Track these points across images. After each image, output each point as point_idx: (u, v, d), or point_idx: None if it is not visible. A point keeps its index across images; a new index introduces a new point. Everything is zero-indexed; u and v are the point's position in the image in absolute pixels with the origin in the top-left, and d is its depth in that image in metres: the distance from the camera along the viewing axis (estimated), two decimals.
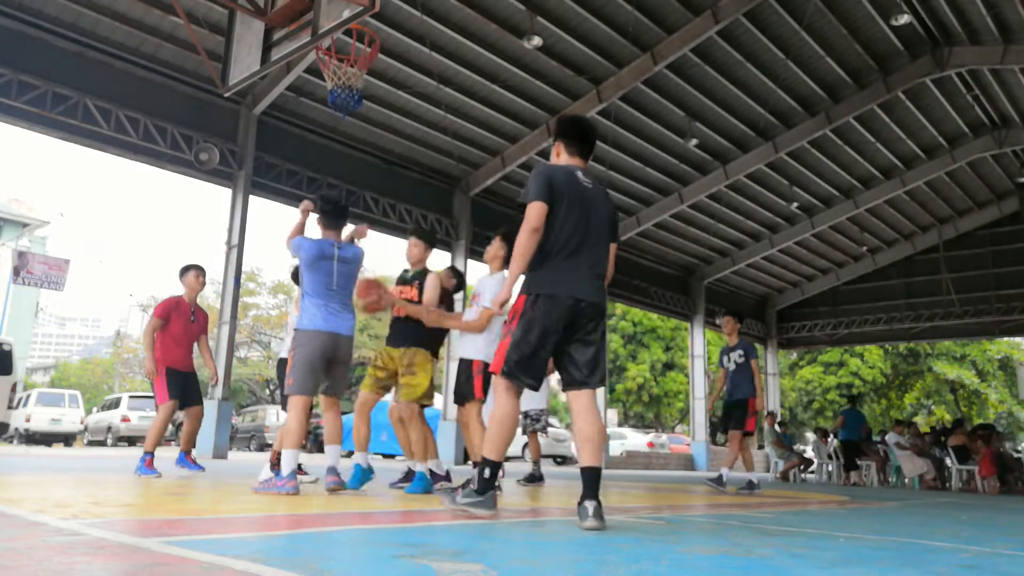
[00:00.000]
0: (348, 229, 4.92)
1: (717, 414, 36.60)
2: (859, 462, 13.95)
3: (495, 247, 5.36)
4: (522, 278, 3.37)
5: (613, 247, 3.44)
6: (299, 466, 4.66)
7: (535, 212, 3.21)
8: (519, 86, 13.20)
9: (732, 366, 7.41)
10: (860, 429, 14.09)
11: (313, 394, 4.42)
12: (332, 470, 4.36)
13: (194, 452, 6.45)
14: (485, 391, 5.16)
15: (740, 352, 7.38)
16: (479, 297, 5.28)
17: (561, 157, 3.47)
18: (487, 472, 3.19)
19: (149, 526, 2.68)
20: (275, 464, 5.19)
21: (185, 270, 6.34)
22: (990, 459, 12.10)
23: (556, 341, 3.22)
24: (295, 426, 4.33)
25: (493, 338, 4.96)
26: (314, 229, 4.72)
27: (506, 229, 5.09)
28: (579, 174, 3.37)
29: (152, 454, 5.89)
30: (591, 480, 3.09)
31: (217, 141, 11.76)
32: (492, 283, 5.25)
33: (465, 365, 5.33)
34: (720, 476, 7.24)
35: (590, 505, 3.00)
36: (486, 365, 5.01)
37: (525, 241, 3.21)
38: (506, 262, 5.14)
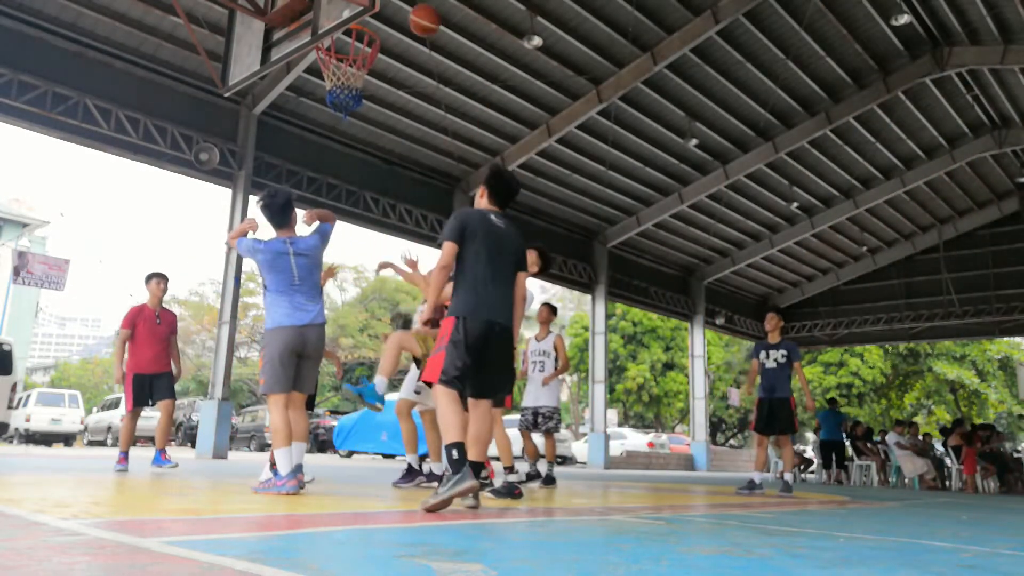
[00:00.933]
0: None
1: (717, 414, 36.18)
2: (860, 462, 13.99)
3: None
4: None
5: (521, 275, 3.96)
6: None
7: (446, 251, 3.75)
8: (519, 86, 13.20)
9: (772, 364, 7.36)
10: (840, 429, 14.34)
11: (287, 390, 4.41)
12: (297, 468, 4.35)
13: (171, 450, 6.86)
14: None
15: (784, 352, 7.35)
16: None
17: (483, 200, 4.04)
18: (455, 453, 3.50)
19: (149, 526, 2.68)
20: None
21: (148, 279, 6.88)
22: (974, 457, 12.26)
23: (476, 354, 3.67)
24: (279, 424, 4.36)
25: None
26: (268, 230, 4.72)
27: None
28: (492, 216, 3.91)
29: (125, 453, 6.52)
30: (475, 472, 3.55)
31: (217, 141, 11.76)
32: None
33: None
34: (786, 483, 7.25)
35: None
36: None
37: (436, 276, 3.81)
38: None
